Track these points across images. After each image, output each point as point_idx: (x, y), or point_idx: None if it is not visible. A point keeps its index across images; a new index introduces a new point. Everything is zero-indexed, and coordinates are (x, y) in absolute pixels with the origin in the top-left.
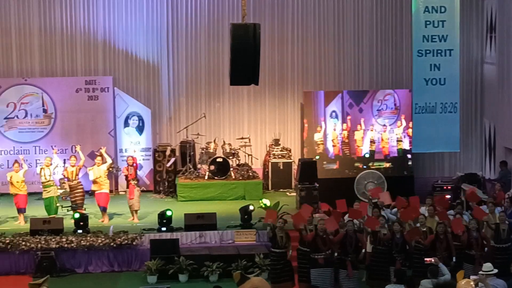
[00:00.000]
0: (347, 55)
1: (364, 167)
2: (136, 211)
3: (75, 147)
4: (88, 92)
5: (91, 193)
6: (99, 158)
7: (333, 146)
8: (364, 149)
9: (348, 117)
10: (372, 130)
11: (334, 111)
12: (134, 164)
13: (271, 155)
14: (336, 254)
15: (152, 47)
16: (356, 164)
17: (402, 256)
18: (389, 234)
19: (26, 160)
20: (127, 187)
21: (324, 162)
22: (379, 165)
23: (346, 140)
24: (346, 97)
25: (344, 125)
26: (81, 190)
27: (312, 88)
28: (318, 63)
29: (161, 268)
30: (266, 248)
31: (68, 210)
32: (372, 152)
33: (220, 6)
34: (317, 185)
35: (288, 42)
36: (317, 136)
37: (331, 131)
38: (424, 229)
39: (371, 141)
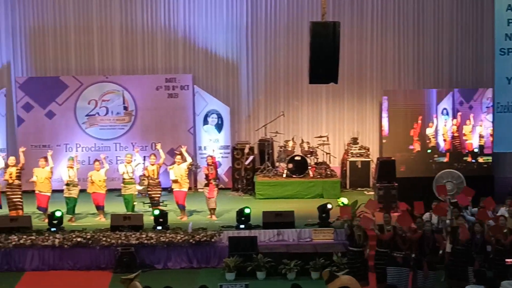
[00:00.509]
0: (426, 53)
1: (473, 161)
2: (214, 209)
3: (156, 145)
4: (168, 90)
5: (170, 190)
6: (178, 157)
7: (444, 140)
8: (474, 144)
9: (459, 113)
10: (481, 126)
11: (445, 108)
12: (214, 164)
13: (349, 154)
14: (413, 254)
15: (232, 45)
16: (465, 158)
17: (481, 256)
18: (468, 233)
19: (107, 157)
20: (206, 185)
21: (435, 156)
22: (487, 160)
23: (456, 135)
24: (457, 95)
25: (454, 120)
26: (159, 188)
27: (390, 86)
28: (397, 61)
29: (239, 265)
30: (343, 247)
31: (149, 207)
32: (481, 147)
33: (300, 4)
34: (396, 184)
35: (367, 40)
36: (429, 131)
37: (441, 127)
38: (505, 230)
39: (480, 136)
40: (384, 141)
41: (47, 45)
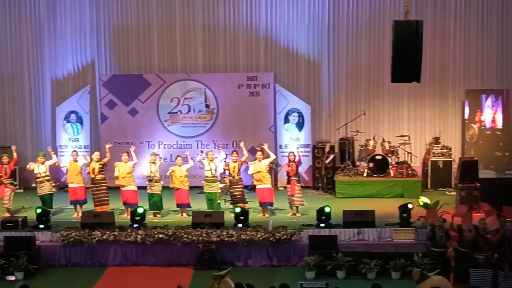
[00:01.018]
0: (510, 52)
1: None
2: (297, 207)
3: (239, 144)
4: (249, 88)
5: (251, 188)
6: (259, 153)
7: None
8: None
9: None
10: None
11: None
12: (296, 160)
13: (431, 154)
14: (495, 255)
15: (313, 43)
16: None
17: None
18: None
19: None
20: (288, 183)
21: None
22: None
23: None
24: None
25: None
26: (241, 185)
27: (473, 86)
28: (480, 60)
29: (319, 264)
30: (425, 247)
31: (230, 203)
32: None
33: (382, 3)
34: (478, 184)
35: (450, 39)
36: None
37: None
38: None
39: None
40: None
41: (131, 43)
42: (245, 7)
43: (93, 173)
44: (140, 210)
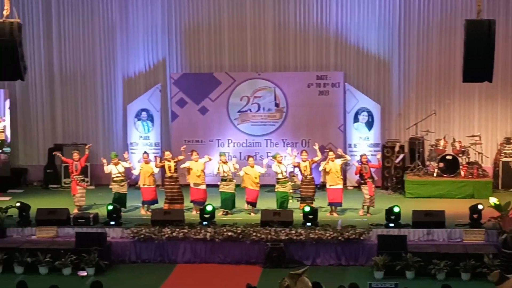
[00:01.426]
0: None
1: None
2: (368, 207)
3: (315, 144)
4: (319, 87)
5: (319, 187)
6: (331, 153)
7: None
8: None
9: None
10: None
11: None
12: (368, 162)
13: (502, 154)
14: None
15: (384, 42)
16: None
17: None
18: None
19: (258, 153)
20: (363, 184)
21: None
22: None
23: None
24: None
25: None
26: (313, 185)
27: None
28: None
29: (388, 264)
30: (495, 248)
31: (297, 201)
32: None
33: (454, 2)
34: None
35: None
36: None
37: None
38: None
39: None
40: None
41: (202, 42)
42: (315, 5)
43: (170, 171)
44: (209, 208)
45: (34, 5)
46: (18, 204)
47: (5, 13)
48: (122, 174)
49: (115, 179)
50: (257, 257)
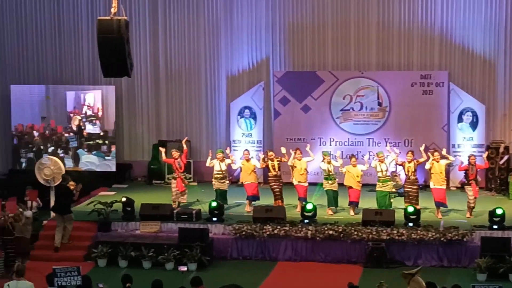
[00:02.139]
0: None
1: None
2: (472, 208)
3: (420, 147)
4: (423, 87)
5: (421, 187)
6: (436, 153)
7: None
8: None
9: None
10: None
11: None
12: (482, 164)
13: None
14: None
15: (489, 42)
16: None
17: None
18: None
19: (360, 152)
20: (467, 184)
21: None
22: None
23: None
24: None
25: None
26: (417, 186)
27: None
28: None
29: (491, 266)
30: None
31: (394, 197)
32: None
33: None
34: None
35: None
36: None
37: None
38: None
39: None
40: None
41: (305, 40)
42: (420, 5)
43: (274, 170)
44: (309, 206)
45: (141, 3)
46: (124, 199)
47: (113, 10)
48: (224, 171)
49: (216, 176)
50: (358, 256)
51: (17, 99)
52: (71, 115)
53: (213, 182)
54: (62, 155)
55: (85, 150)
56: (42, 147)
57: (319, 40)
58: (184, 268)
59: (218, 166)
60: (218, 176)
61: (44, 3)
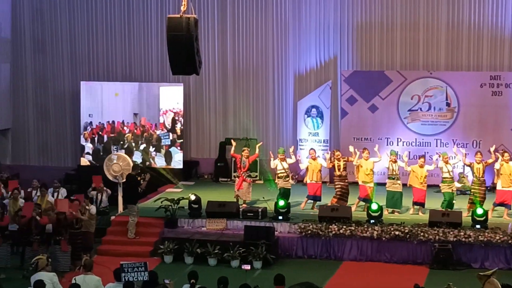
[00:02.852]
0: None
1: None
2: None
3: (492, 146)
4: (492, 88)
5: (489, 189)
6: (506, 154)
7: None
8: None
9: None
10: None
11: None
12: None
13: None
14: None
15: None
16: None
17: None
18: None
19: (427, 152)
20: None
21: None
22: None
23: None
24: None
25: None
26: (484, 187)
27: None
28: None
29: None
30: None
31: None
32: None
33: None
34: None
35: None
36: None
37: None
38: None
39: None
40: None
41: (373, 40)
42: (490, 5)
43: (339, 170)
44: (374, 207)
45: (210, 2)
46: (193, 198)
47: (182, 8)
48: (286, 170)
49: (279, 175)
50: (424, 257)
51: (104, 95)
52: (164, 111)
53: (277, 181)
54: (154, 153)
55: (178, 148)
56: (133, 144)
57: (387, 39)
58: (248, 267)
59: (280, 165)
60: (282, 175)
61: (114, 2)
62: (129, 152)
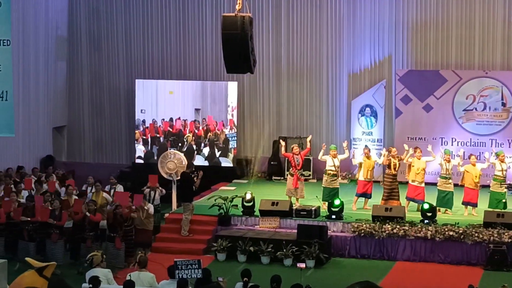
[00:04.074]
0: None
1: None
2: None
3: None
4: None
5: None
6: None
7: None
8: None
9: None
10: None
11: None
12: None
13: None
14: None
15: None
16: None
17: None
18: None
19: (482, 153)
20: None
21: None
22: None
23: None
24: None
25: None
26: None
27: None
28: None
29: None
30: None
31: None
32: None
33: None
34: None
35: None
36: None
37: None
38: None
39: None
40: None
41: (428, 39)
42: None
43: (394, 169)
44: (426, 206)
45: (265, 0)
46: (249, 196)
47: (237, 7)
48: (337, 168)
49: (328, 172)
50: (478, 258)
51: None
52: (233, 107)
53: (325, 178)
54: (219, 160)
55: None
56: (195, 146)
57: (442, 38)
58: (303, 265)
59: (331, 161)
60: (331, 172)
61: (170, 1)
62: (189, 156)
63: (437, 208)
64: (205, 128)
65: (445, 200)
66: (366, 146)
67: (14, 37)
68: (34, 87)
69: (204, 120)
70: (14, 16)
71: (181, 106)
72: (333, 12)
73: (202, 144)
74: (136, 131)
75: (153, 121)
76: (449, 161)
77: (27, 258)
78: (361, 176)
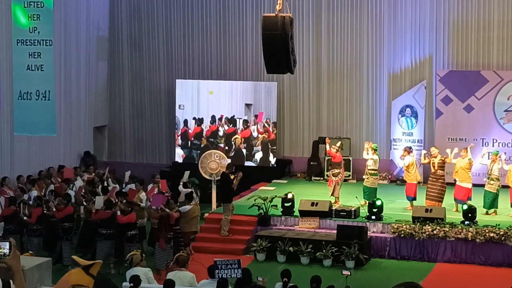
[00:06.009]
0: None
1: None
2: None
3: None
4: None
5: None
6: None
7: None
8: None
9: None
10: None
11: None
12: None
13: None
14: None
15: None
16: None
17: None
18: None
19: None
20: None
21: None
22: None
23: None
24: None
25: None
26: None
27: None
28: None
29: None
30: None
31: None
32: None
33: None
34: None
35: None
36: None
37: None
38: None
39: None
40: None
41: (469, 39)
42: None
43: (433, 167)
44: (465, 207)
45: (305, 1)
46: (290, 196)
47: (278, 7)
48: (372, 167)
49: (369, 172)
50: None
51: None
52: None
53: (366, 178)
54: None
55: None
56: (244, 151)
57: (484, 38)
58: (348, 272)
59: (370, 161)
60: (371, 172)
61: (211, 1)
62: (238, 161)
63: (486, 209)
64: (262, 130)
65: (491, 201)
66: (409, 146)
67: (56, 37)
68: (76, 87)
69: (255, 117)
70: (56, 16)
71: (228, 103)
72: (373, 12)
73: (254, 148)
74: (176, 131)
75: (196, 123)
76: (494, 161)
77: (73, 256)
78: (408, 177)
